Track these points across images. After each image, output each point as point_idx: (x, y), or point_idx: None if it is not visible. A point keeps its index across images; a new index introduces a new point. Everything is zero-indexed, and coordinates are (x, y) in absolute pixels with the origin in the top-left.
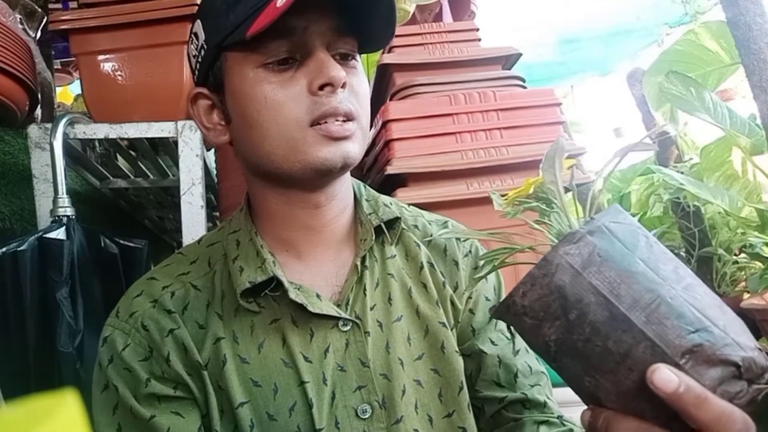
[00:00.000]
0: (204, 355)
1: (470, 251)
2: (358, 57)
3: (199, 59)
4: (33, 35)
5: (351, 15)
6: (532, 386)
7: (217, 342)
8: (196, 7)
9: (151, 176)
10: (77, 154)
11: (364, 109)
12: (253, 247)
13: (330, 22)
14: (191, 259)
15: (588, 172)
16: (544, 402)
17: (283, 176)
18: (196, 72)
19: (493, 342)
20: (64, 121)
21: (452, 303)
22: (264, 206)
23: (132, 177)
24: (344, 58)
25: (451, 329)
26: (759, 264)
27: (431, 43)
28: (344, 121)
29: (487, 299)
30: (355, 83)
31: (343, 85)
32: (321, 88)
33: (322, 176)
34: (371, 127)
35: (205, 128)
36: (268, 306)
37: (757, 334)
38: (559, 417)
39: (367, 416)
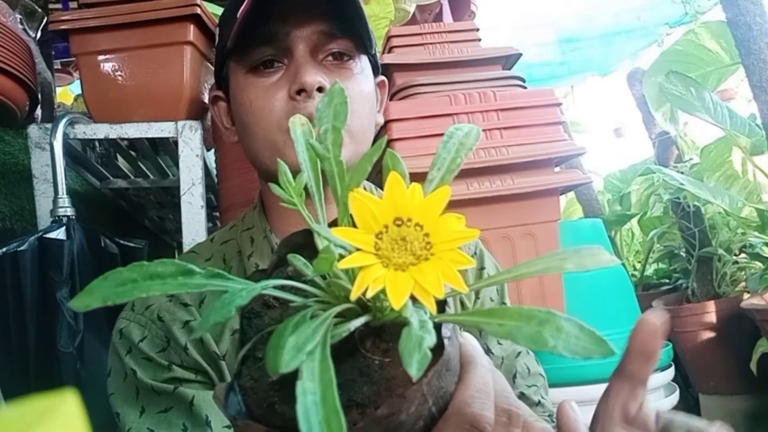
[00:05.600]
0: (222, 346)
1: (475, 252)
2: (359, 58)
3: (215, 64)
4: (33, 35)
5: (342, 16)
6: (529, 387)
7: (234, 333)
8: (197, 8)
9: (151, 176)
10: (77, 154)
11: (354, 112)
12: (267, 244)
13: (318, 25)
14: (205, 257)
15: (588, 172)
16: (538, 401)
17: (274, 176)
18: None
19: (498, 341)
20: (64, 121)
21: (461, 302)
22: (274, 203)
23: (132, 177)
24: (338, 59)
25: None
26: (759, 264)
27: (431, 43)
28: None
29: (492, 299)
30: (344, 86)
31: (321, 89)
32: (298, 93)
33: None
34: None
35: (224, 128)
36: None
37: (757, 334)
38: (550, 415)
39: None
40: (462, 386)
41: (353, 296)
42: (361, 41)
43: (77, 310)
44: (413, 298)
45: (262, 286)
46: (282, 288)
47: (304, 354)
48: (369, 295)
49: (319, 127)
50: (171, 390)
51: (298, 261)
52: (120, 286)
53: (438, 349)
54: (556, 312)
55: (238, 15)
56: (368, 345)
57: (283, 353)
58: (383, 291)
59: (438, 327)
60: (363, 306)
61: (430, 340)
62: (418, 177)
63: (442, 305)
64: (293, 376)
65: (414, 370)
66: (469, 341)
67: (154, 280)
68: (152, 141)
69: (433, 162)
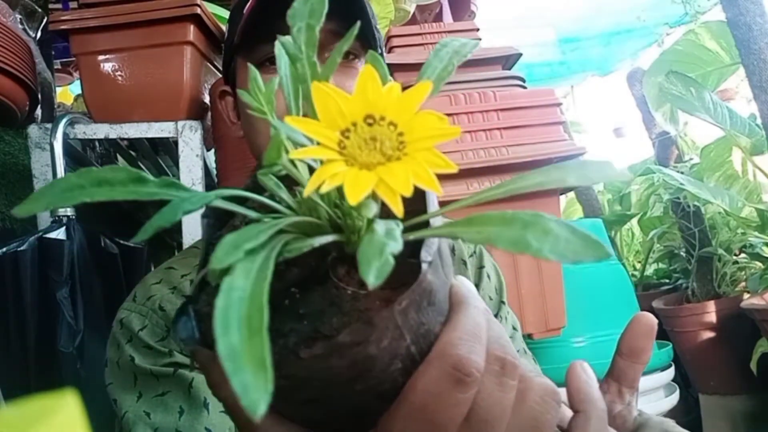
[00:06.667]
0: None
1: (475, 251)
2: (365, 57)
3: (224, 59)
4: (33, 35)
5: (349, 16)
6: None
7: None
8: (197, 8)
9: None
10: (77, 154)
11: None
12: None
13: (324, 24)
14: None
15: None
16: None
17: None
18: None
19: None
20: (64, 121)
21: None
22: None
23: None
24: (344, 58)
25: None
26: (759, 264)
27: (431, 43)
28: None
29: (490, 298)
30: (349, 84)
31: None
32: None
33: None
34: None
35: (230, 122)
36: None
37: (757, 334)
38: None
39: None
40: (448, 326)
41: (306, 192)
42: (367, 41)
43: (20, 216)
44: (387, 215)
45: (215, 194)
46: (241, 202)
47: (242, 252)
48: (323, 190)
49: (292, 25)
50: (171, 372)
51: (269, 180)
52: (66, 191)
53: (414, 274)
54: (544, 214)
55: (244, 11)
56: (341, 274)
57: (217, 249)
58: (357, 208)
59: (417, 250)
60: (336, 228)
61: (395, 246)
62: None
63: (424, 227)
64: None
65: (372, 278)
66: (463, 282)
67: (102, 186)
68: (152, 141)
69: (422, 70)
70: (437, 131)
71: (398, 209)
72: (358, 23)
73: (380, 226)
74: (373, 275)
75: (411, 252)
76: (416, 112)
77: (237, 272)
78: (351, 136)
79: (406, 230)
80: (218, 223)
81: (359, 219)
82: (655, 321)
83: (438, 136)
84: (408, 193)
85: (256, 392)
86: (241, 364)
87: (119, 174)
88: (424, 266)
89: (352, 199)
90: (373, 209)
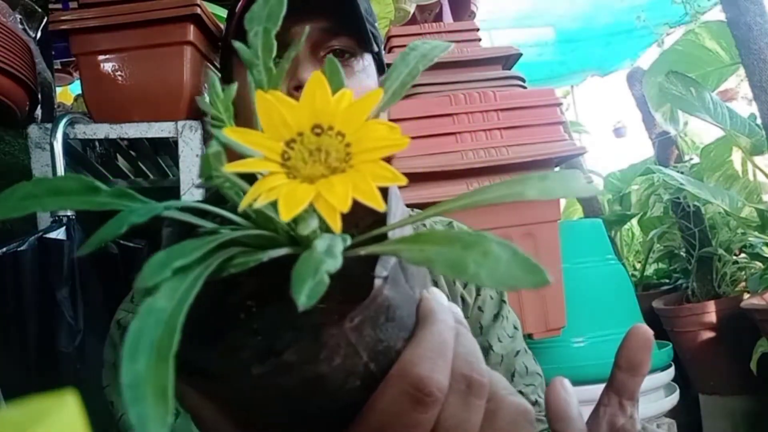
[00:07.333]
0: None
1: None
2: (361, 56)
3: (221, 59)
4: (33, 35)
5: (344, 14)
6: (527, 386)
7: None
8: (197, 8)
9: (151, 176)
10: (77, 154)
11: None
12: None
13: (319, 22)
14: None
15: (588, 172)
16: (535, 401)
17: None
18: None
19: (499, 339)
20: (64, 121)
21: (462, 299)
22: None
23: (132, 177)
24: (340, 57)
25: None
26: (759, 264)
27: None
28: None
29: (491, 297)
30: (345, 83)
31: None
32: (296, 89)
33: None
34: None
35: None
36: None
37: (757, 334)
38: (546, 415)
39: None
40: (411, 343)
41: (241, 207)
42: (362, 39)
43: None
44: (350, 227)
45: (164, 205)
46: (193, 212)
47: (170, 270)
48: (257, 204)
49: (249, 30)
50: None
51: (229, 189)
52: (21, 201)
53: (366, 291)
54: (488, 235)
55: (236, 10)
56: None
57: (144, 268)
58: (294, 223)
59: (372, 265)
60: (293, 240)
61: (332, 264)
62: (418, 177)
63: (382, 240)
64: (205, 321)
65: (303, 298)
66: (435, 296)
67: (58, 196)
68: (152, 141)
69: (386, 74)
70: (385, 142)
71: (335, 225)
72: (307, 28)
73: (321, 242)
74: (305, 295)
75: (374, 266)
76: (365, 122)
77: (160, 293)
78: (296, 146)
79: (364, 243)
80: (183, 231)
81: (313, 233)
82: (652, 333)
83: (385, 147)
84: (345, 209)
85: (153, 425)
86: (142, 394)
87: (73, 183)
88: (378, 282)
89: (285, 214)
90: (312, 225)
